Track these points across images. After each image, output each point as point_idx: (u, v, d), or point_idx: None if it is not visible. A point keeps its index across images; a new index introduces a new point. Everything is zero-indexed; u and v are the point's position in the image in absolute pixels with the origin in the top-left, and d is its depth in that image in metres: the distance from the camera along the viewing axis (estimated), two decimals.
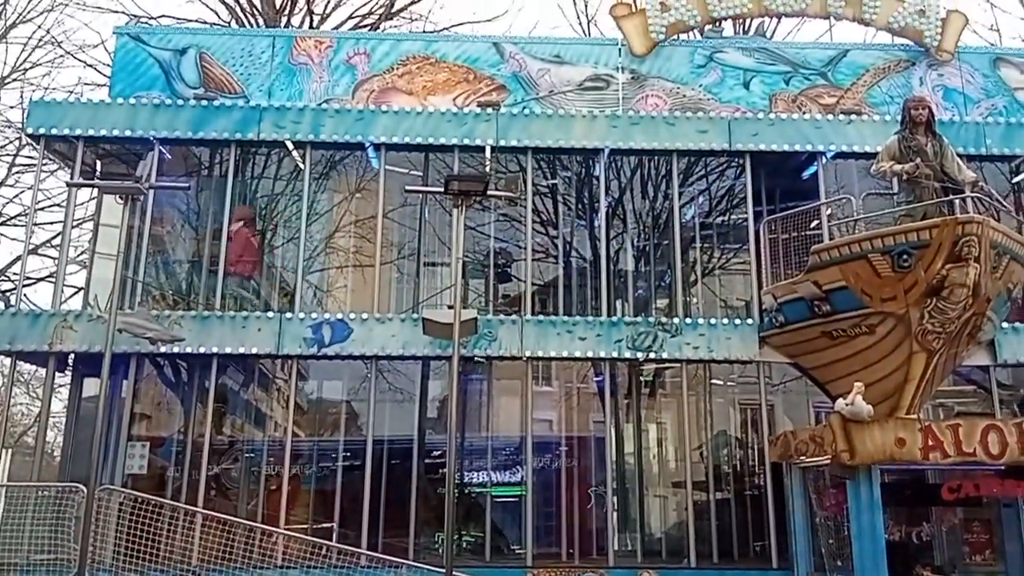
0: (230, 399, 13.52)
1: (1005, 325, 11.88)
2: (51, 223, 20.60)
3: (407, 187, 12.56)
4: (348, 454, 12.80)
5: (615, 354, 12.18)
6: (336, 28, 21.57)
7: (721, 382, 13.65)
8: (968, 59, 14.88)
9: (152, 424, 13.25)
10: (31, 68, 22.27)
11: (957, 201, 10.48)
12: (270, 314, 12.37)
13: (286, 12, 22.08)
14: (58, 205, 20.23)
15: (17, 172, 21.42)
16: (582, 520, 12.76)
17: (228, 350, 12.06)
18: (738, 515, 12.69)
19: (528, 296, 12.69)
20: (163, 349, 11.96)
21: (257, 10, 21.91)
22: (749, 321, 12.37)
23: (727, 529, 12.48)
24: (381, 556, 10.75)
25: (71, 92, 20.57)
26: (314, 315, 12.35)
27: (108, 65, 17.76)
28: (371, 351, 12.11)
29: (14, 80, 22.13)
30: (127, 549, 10.17)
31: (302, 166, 13.15)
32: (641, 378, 13.54)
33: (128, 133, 12.80)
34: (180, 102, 13.30)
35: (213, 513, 11.04)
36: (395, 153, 13.17)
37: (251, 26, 21.35)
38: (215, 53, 14.55)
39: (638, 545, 12.52)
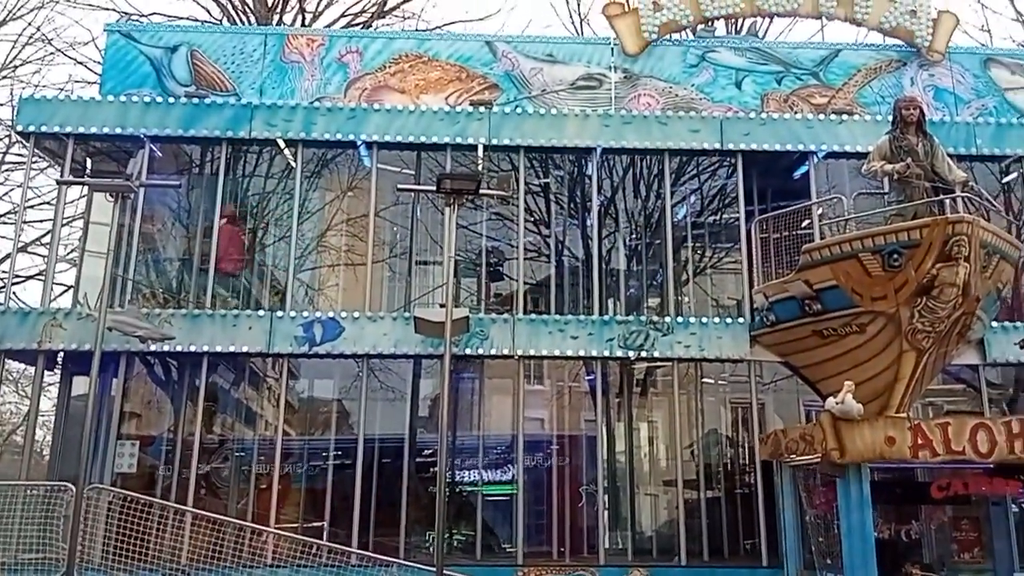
0: (220, 398, 13.47)
1: (994, 324, 11.94)
2: (41, 221, 20.58)
3: (399, 186, 12.54)
4: (339, 453, 12.78)
5: (607, 353, 12.19)
6: (328, 26, 21.52)
7: (712, 381, 13.69)
8: (959, 59, 14.94)
9: (142, 423, 13.20)
10: (21, 65, 22.16)
11: (947, 201, 10.51)
12: (261, 312, 12.33)
13: (278, 10, 22.02)
14: (48, 203, 20.14)
15: (7, 170, 21.34)
16: (573, 519, 12.77)
17: (219, 348, 12.03)
18: (729, 513, 12.72)
19: (520, 295, 12.69)
20: (153, 347, 11.92)
21: (249, 8, 21.84)
22: (740, 320, 12.40)
23: (718, 527, 12.51)
24: (372, 555, 10.74)
25: (61, 89, 20.38)
26: (305, 313, 12.32)
27: (99, 63, 17.71)
28: (362, 350, 12.09)
29: (4, 77, 22.01)
30: (116, 548, 10.13)
31: (294, 164, 13.13)
32: (632, 377, 13.55)
33: (119, 131, 12.75)
34: (171, 100, 13.25)
35: (203, 512, 11.01)
36: (387, 152, 13.15)
37: (243, 24, 21.28)
38: (206, 51, 14.50)
39: (629, 543, 12.53)
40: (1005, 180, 13.67)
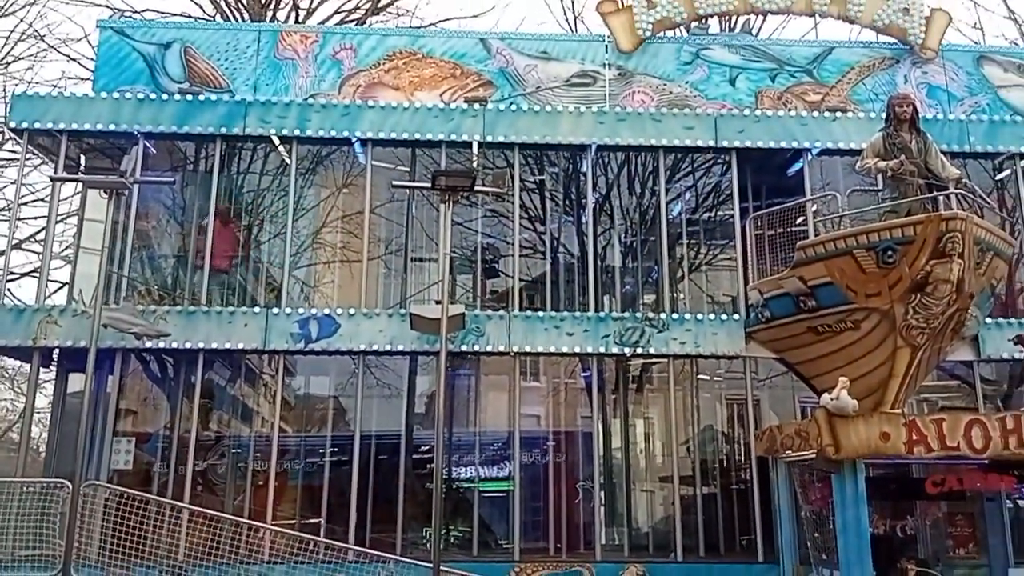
0: (216, 395, 13.46)
1: (988, 321, 12.00)
2: (35, 218, 20.38)
3: (394, 183, 12.52)
4: (335, 450, 12.78)
5: (602, 349, 12.22)
6: (322, 23, 21.47)
7: (707, 377, 13.72)
8: (952, 57, 15.00)
9: (138, 420, 13.17)
10: (13, 62, 22.01)
11: (941, 198, 10.57)
12: (256, 309, 12.32)
13: (271, 7, 21.95)
14: (42, 200, 20.00)
15: (0, 167, 21.23)
16: (569, 515, 12.79)
17: (214, 345, 12.01)
18: (724, 509, 12.76)
19: (515, 291, 12.70)
20: (148, 344, 11.89)
21: (242, 4, 21.76)
22: (735, 317, 12.44)
23: (713, 523, 12.56)
24: (368, 551, 10.73)
25: (55, 86, 20.40)
26: (301, 310, 12.31)
27: (92, 59, 17.59)
28: (358, 346, 12.09)
29: None
30: (113, 545, 10.10)
31: (288, 161, 13.10)
32: (628, 373, 13.57)
33: (112, 127, 12.72)
34: (165, 96, 13.21)
35: (199, 509, 11.00)
36: (382, 148, 13.15)
37: (236, 20, 21.21)
38: (200, 47, 14.45)
39: (625, 539, 12.56)
40: (998, 177, 13.75)
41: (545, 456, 13.30)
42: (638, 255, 14.19)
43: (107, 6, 21.52)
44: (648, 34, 14.70)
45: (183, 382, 12.66)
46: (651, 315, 12.46)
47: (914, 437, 9.80)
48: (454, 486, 13.20)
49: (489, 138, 12.91)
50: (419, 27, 21.92)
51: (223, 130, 12.84)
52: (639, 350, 12.23)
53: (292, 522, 12.19)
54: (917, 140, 10.78)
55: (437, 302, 11.29)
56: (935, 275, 9.90)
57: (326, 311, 12.25)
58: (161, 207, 13.84)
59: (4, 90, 20.46)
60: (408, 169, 13.32)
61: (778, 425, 11.65)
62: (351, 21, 22.26)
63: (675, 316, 12.43)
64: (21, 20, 22.66)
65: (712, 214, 14.30)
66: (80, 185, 13.51)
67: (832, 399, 9.91)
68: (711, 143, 13.04)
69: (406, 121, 12.92)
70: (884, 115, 11.28)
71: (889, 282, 10.21)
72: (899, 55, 14.93)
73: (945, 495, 10.74)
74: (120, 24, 15.45)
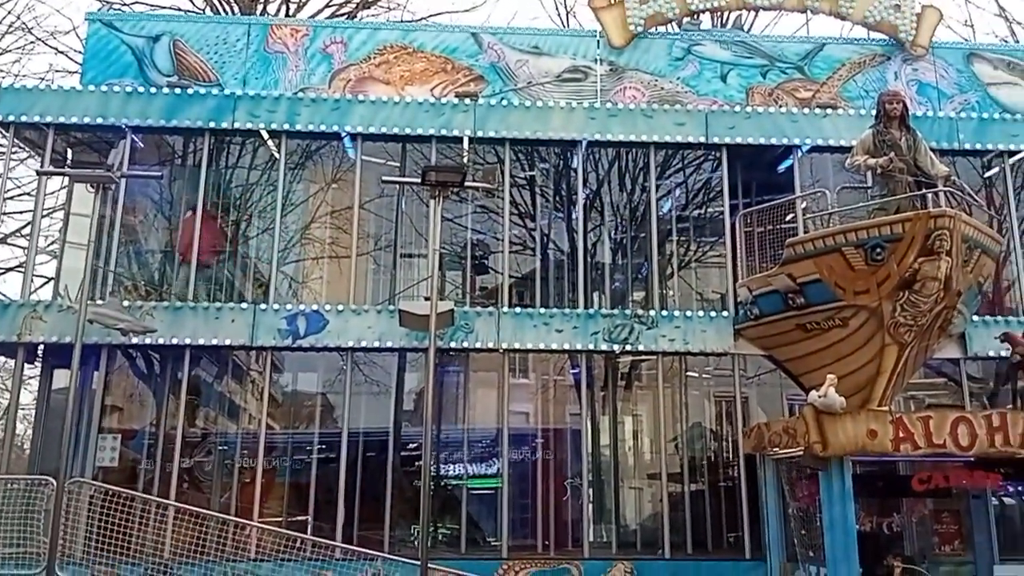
0: (203, 391, 13.39)
1: (975, 318, 12.03)
2: (21, 212, 20.27)
3: (384, 178, 12.48)
4: (323, 447, 12.74)
5: (592, 346, 12.21)
6: (312, 17, 21.35)
7: (696, 374, 13.72)
8: (942, 54, 15.02)
9: (124, 416, 13.09)
10: (1, 55, 21.88)
11: (930, 195, 10.57)
12: (244, 305, 12.25)
13: (261, 0, 21.82)
14: (28, 194, 19.87)
15: None
16: (558, 512, 12.79)
17: (201, 341, 11.94)
18: (712, 506, 12.77)
19: (505, 288, 12.67)
20: (135, 340, 11.81)
21: None
22: (724, 314, 12.44)
23: (701, 520, 12.56)
24: (356, 549, 10.72)
25: (42, 79, 20.25)
26: (289, 306, 12.24)
27: (80, 52, 17.48)
28: (347, 343, 12.05)
29: None
30: (98, 543, 10.05)
31: (277, 156, 13.03)
32: (617, 370, 13.56)
33: (100, 121, 12.62)
34: (153, 90, 13.11)
35: (185, 506, 10.95)
36: (372, 143, 13.08)
37: (226, 14, 21.07)
38: (189, 41, 14.35)
39: (613, 536, 12.56)
40: (987, 175, 13.78)
41: (534, 453, 13.28)
42: (628, 252, 14.18)
43: None
44: (640, 30, 14.67)
45: (169, 378, 12.58)
46: (640, 312, 12.45)
47: (901, 434, 9.82)
48: (442, 483, 13.17)
49: (480, 133, 12.86)
50: (410, 21, 21.85)
51: (212, 124, 12.75)
52: (628, 347, 12.22)
53: (279, 520, 12.14)
54: (907, 137, 10.78)
55: (426, 298, 11.25)
56: (923, 273, 9.91)
57: (314, 307, 12.20)
58: (148, 202, 13.74)
59: None
60: (398, 164, 13.25)
61: (766, 422, 11.66)
62: (342, 15, 22.16)
63: (664, 313, 12.43)
64: (8, 12, 22.47)
65: (702, 211, 14.29)
66: (66, 179, 13.39)
67: (820, 396, 9.92)
68: (702, 139, 13.03)
69: (396, 116, 12.86)
70: (874, 112, 11.29)
71: (877, 279, 10.21)
72: (890, 52, 14.94)
73: (931, 492, 10.77)
74: (109, 17, 15.35)
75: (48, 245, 17.61)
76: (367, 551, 10.68)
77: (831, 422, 9.84)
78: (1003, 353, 11.58)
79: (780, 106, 14.09)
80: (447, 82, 14.41)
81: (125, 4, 21.50)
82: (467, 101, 13.17)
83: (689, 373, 13.43)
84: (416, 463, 12.27)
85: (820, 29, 19.09)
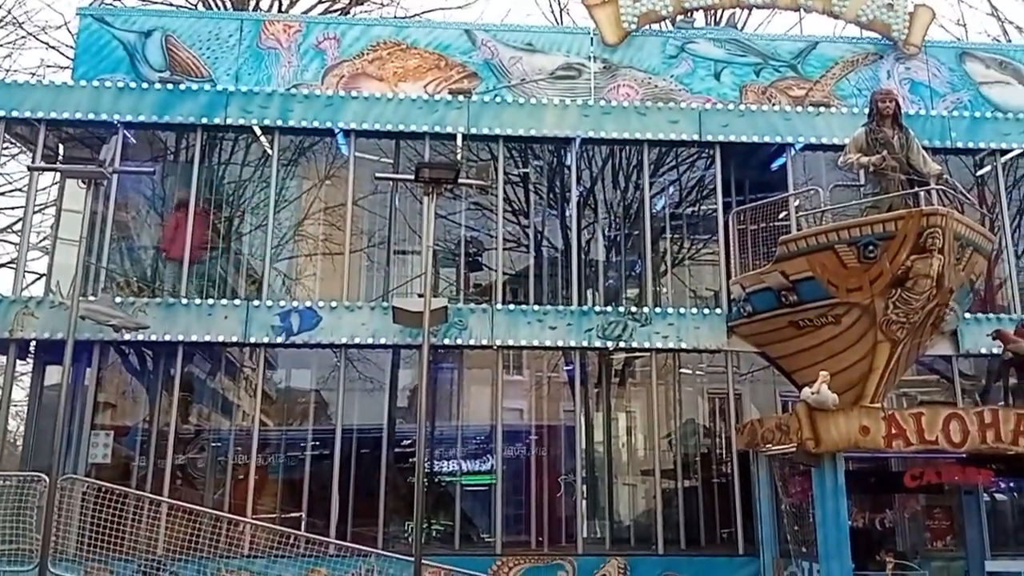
0: (196, 388, 13.35)
1: (967, 316, 12.09)
2: (12, 208, 20.23)
3: (377, 174, 12.47)
4: (317, 443, 12.72)
5: (585, 343, 12.22)
6: (305, 12, 21.29)
7: (690, 371, 13.76)
8: (935, 53, 15.07)
9: (116, 413, 13.05)
10: None
11: (922, 193, 10.62)
12: (237, 301, 12.22)
13: None
14: (19, 190, 19.81)
15: None
16: (551, 508, 12.80)
17: (194, 338, 11.92)
18: (705, 502, 12.82)
19: (499, 285, 12.68)
20: (127, 337, 11.78)
21: None
22: (718, 311, 12.47)
23: (695, 516, 12.61)
24: (350, 545, 10.72)
25: (33, 74, 20.09)
26: (282, 303, 12.22)
27: (71, 47, 17.39)
28: (340, 339, 12.03)
29: None
30: (91, 539, 10.02)
31: (270, 152, 13.00)
32: (611, 367, 13.59)
33: (92, 116, 12.57)
34: (145, 85, 13.06)
35: (179, 503, 10.92)
36: (365, 140, 13.06)
37: (218, 9, 20.99)
38: (181, 36, 14.28)
39: (607, 532, 12.59)
40: (979, 173, 13.85)
41: (528, 450, 13.30)
42: (622, 249, 14.20)
43: None
44: (634, 27, 14.67)
45: (162, 375, 12.54)
46: (634, 309, 12.47)
47: (893, 431, 9.85)
48: (436, 480, 13.17)
49: (473, 130, 12.86)
50: (403, 18, 21.80)
51: (204, 120, 12.71)
52: (622, 344, 12.24)
53: (273, 516, 12.13)
54: (899, 136, 10.83)
55: (420, 295, 11.25)
56: (915, 270, 9.96)
57: (308, 304, 12.18)
58: (140, 198, 13.68)
59: None
60: (391, 161, 13.23)
61: (759, 419, 11.69)
62: (335, 11, 22.09)
63: (658, 310, 12.45)
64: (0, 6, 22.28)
65: (695, 208, 14.31)
66: (58, 175, 13.33)
67: (812, 393, 9.94)
68: (695, 137, 13.05)
69: (390, 112, 12.84)
70: (867, 110, 11.34)
71: (870, 277, 10.26)
72: (883, 51, 14.98)
73: (923, 488, 10.84)
74: (100, 11, 15.23)
75: (40, 241, 17.48)
76: (361, 547, 10.67)
77: (824, 419, 9.87)
78: (995, 350, 11.66)
79: (773, 104, 14.12)
80: (441, 79, 14.39)
81: None
82: (461, 98, 13.16)
83: (682, 370, 13.45)
84: (410, 459, 12.28)
85: (813, 28, 19.20)
